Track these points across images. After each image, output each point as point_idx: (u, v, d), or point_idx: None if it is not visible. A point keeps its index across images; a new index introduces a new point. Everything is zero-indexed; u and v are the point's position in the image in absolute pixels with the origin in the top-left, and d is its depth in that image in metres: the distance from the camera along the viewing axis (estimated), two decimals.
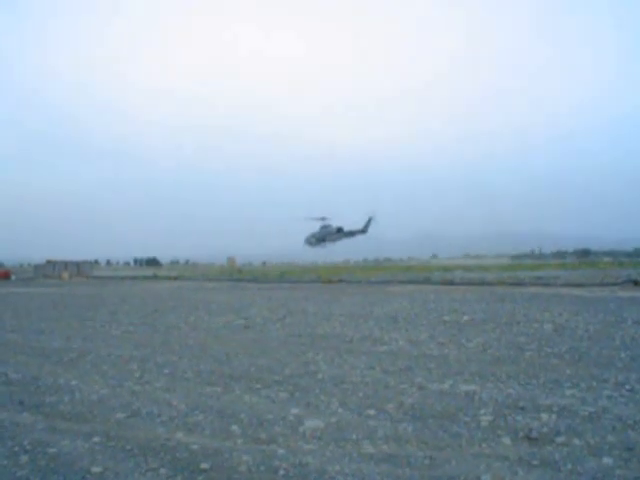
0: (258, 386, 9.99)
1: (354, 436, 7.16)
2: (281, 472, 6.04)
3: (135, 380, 10.74)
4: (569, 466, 6.01)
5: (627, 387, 9.33)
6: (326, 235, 69.45)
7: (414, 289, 39.46)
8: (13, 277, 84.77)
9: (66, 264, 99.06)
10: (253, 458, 6.44)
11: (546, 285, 40.15)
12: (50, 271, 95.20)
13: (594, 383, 9.67)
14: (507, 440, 6.85)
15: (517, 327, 16.88)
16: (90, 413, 8.55)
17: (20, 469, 6.30)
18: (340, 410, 8.38)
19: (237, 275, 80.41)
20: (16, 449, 6.96)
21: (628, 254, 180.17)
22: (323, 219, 68.92)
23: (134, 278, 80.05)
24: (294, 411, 8.35)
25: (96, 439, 7.27)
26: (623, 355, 12.07)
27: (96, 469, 6.24)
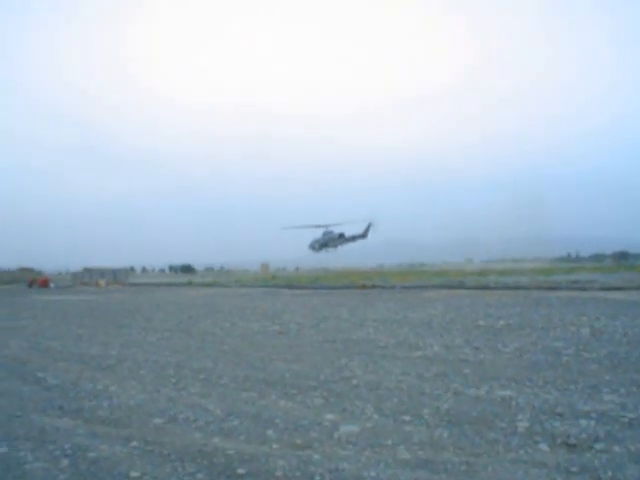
0: (293, 391, 10.03)
1: (390, 442, 7.14)
2: (317, 477, 6.06)
3: (172, 386, 10.87)
4: (609, 473, 5.92)
5: None
6: (328, 240, 71.80)
7: (448, 294, 39.19)
8: (52, 285, 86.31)
9: (103, 272, 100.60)
10: (289, 463, 6.47)
11: (583, 289, 39.56)
12: (87, 279, 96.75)
13: (634, 388, 9.50)
14: (545, 446, 6.77)
15: (554, 332, 16.66)
16: (128, 418, 8.68)
17: (61, 473, 6.43)
18: (375, 416, 8.37)
19: (271, 281, 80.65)
20: (57, 453, 7.11)
21: None
22: (326, 226, 71.39)
23: (169, 285, 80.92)
24: (329, 416, 8.37)
25: (134, 444, 7.38)
26: None
27: (134, 474, 6.34)
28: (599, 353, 12.89)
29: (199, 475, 6.24)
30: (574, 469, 6.04)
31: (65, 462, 6.77)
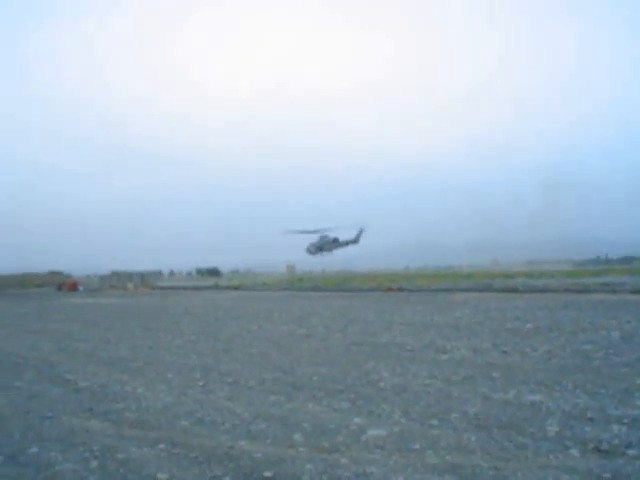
0: (320, 395, 10.03)
1: (417, 446, 7.10)
2: None
3: (199, 389, 10.94)
4: None
5: None
6: (324, 244, 78.02)
7: (475, 296, 38.88)
8: (81, 288, 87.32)
9: (131, 275, 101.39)
10: (316, 467, 6.47)
11: (613, 291, 38.94)
12: (115, 282, 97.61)
13: None
14: (575, 452, 6.67)
15: (583, 335, 16.44)
16: (156, 420, 8.75)
17: (91, 474, 6.50)
18: (403, 419, 8.33)
19: (297, 283, 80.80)
20: (86, 455, 7.19)
21: None
22: (322, 231, 77.69)
23: (196, 288, 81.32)
24: (356, 420, 8.35)
25: (162, 446, 7.44)
26: None
27: (162, 476, 6.38)
28: (630, 356, 12.70)
29: (226, 478, 6.26)
30: (606, 475, 5.94)
31: (94, 463, 6.85)
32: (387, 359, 13.44)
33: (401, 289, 53.60)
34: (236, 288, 75.84)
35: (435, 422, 8.12)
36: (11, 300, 55.73)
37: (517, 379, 10.78)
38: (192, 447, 7.35)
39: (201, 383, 11.42)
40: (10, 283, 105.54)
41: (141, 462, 6.85)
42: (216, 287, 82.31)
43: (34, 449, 7.50)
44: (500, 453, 6.74)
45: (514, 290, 45.11)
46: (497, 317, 22.63)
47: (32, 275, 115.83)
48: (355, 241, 77.72)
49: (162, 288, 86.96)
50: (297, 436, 7.69)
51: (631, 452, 6.58)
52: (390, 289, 53.83)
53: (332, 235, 77.60)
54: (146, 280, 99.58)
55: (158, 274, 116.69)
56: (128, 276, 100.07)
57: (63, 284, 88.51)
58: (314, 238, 78.33)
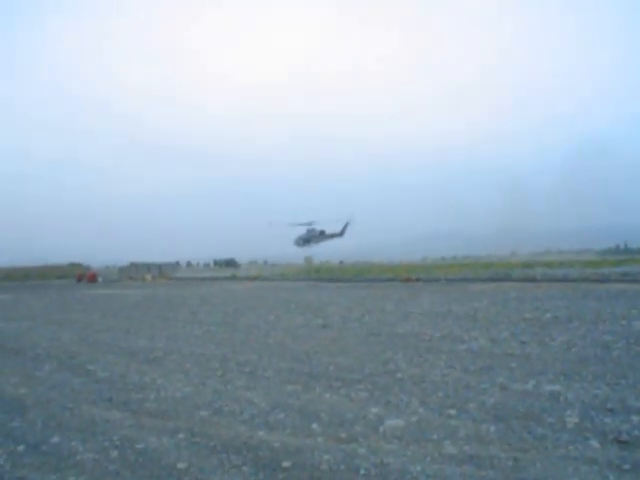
0: (338, 385, 10.04)
1: (435, 436, 7.09)
2: (362, 471, 6.06)
3: (217, 378, 10.99)
4: None
5: None
6: (311, 237, 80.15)
7: (494, 286, 38.67)
8: (100, 279, 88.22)
9: (149, 266, 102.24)
10: (334, 457, 6.48)
11: (633, 281, 38.54)
12: (134, 273, 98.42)
13: None
14: (595, 443, 6.62)
15: (603, 325, 16.29)
16: (175, 410, 8.81)
17: (111, 463, 6.57)
18: (420, 409, 8.32)
19: (314, 274, 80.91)
20: (106, 444, 7.27)
21: None
22: (309, 224, 79.65)
23: (214, 279, 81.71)
24: (374, 410, 8.35)
25: (181, 436, 7.50)
26: None
27: (182, 465, 6.44)
28: None
29: (244, 468, 6.30)
30: (626, 467, 5.90)
31: (114, 453, 6.92)
32: (405, 349, 13.42)
33: (418, 279, 53.46)
34: (253, 279, 76.11)
35: (453, 412, 8.10)
36: (32, 291, 56.37)
37: (536, 369, 10.71)
38: (211, 437, 7.40)
39: (219, 373, 11.48)
40: (31, 275, 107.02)
41: (160, 452, 6.91)
42: (233, 278, 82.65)
43: (55, 438, 7.59)
44: (519, 444, 6.71)
45: (533, 280, 44.81)
46: (515, 307, 22.51)
47: (52, 267, 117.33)
48: (341, 234, 79.11)
49: (180, 279, 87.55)
50: (315, 426, 7.71)
51: None
52: (408, 279, 53.70)
53: (319, 228, 79.82)
54: (164, 271, 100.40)
55: (175, 265, 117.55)
56: (146, 267, 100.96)
57: (83, 275, 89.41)
58: (302, 230, 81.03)
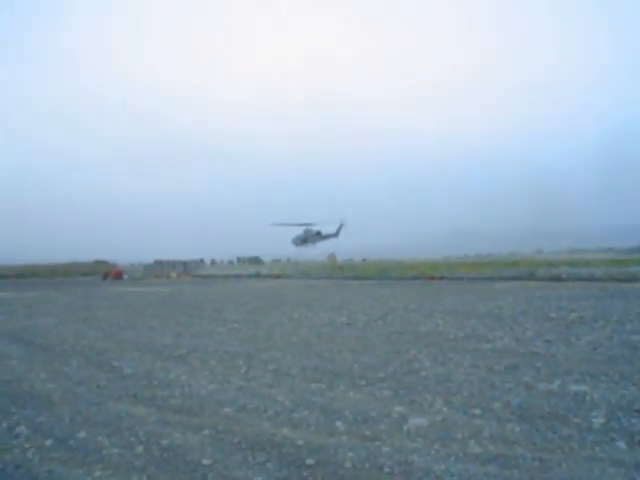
0: (362, 383, 10.04)
1: (459, 435, 7.07)
2: (386, 470, 6.06)
3: (241, 376, 11.05)
4: None
5: None
6: (308, 237, 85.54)
7: (518, 285, 38.38)
8: (125, 277, 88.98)
9: (174, 264, 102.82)
10: (358, 455, 6.49)
11: None
12: (159, 270, 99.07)
13: None
14: (622, 444, 6.55)
15: (630, 325, 16.09)
16: (199, 407, 8.88)
17: (136, 459, 6.65)
18: (445, 409, 8.29)
19: (338, 272, 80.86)
20: (132, 440, 7.36)
21: None
22: (307, 224, 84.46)
23: (238, 277, 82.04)
24: (398, 409, 8.34)
25: (205, 432, 7.56)
26: None
27: (206, 461, 6.49)
28: None
29: (269, 464, 6.33)
30: None
31: (140, 448, 7.00)
32: (429, 348, 13.38)
33: (443, 277, 53.22)
34: (277, 276, 76.30)
35: (478, 412, 8.07)
36: (58, 289, 57.01)
37: (561, 369, 10.62)
38: (235, 434, 7.45)
39: (243, 370, 11.54)
40: (57, 272, 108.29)
41: (185, 448, 6.98)
42: (257, 275, 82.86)
43: (82, 433, 7.70)
44: (544, 444, 6.66)
45: (558, 279, 44.37)
46: (540, 306, 22.31)
47: (78, 264, 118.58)
48: (335, 235, 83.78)
49: (204, 276, 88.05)
50: (339, 424, 7.72)
51: None
52: (433, 277, 53.51)
53: (315, 229, 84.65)
54: (188, 269, 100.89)
55: (200, 263, 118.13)
56: (171, 265, 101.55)
57: (108, 273, 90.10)
58: (299, 231, 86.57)
